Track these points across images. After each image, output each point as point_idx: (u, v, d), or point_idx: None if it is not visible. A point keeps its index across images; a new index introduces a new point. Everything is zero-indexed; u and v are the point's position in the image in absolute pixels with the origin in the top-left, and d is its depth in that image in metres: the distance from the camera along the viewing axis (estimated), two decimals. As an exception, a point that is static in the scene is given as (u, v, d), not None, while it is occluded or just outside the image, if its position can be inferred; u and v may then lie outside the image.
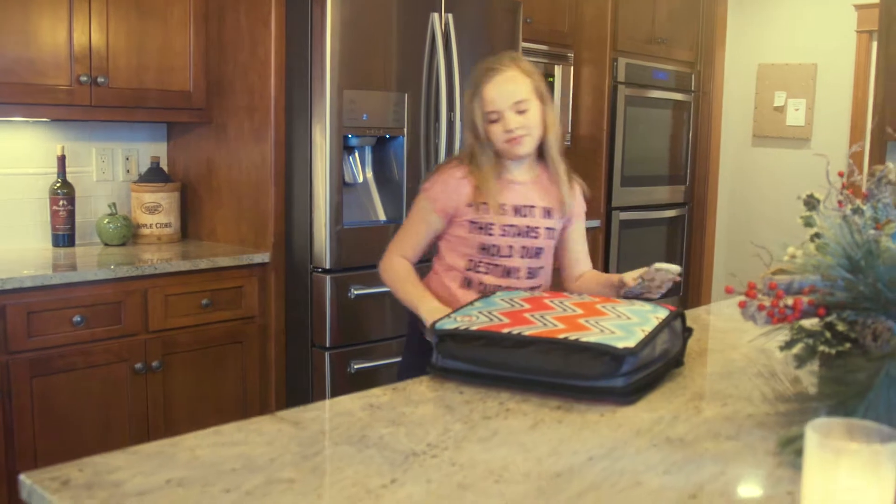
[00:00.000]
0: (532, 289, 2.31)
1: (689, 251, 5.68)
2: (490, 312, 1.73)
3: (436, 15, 3.47)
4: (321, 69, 3.20)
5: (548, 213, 2.33)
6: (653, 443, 1.31)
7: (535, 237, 2.31)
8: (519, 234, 2.29)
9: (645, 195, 5.23)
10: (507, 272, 2.30)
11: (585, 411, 1.45)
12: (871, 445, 0.99)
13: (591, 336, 1.53)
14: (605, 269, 4.95)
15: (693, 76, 5.52)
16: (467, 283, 2.31)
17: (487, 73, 2.24)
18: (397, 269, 2.34)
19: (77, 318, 2.87)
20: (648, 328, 1.59)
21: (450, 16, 3.51)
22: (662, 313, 1.70)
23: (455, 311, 1.84)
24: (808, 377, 1.52)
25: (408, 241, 2.36)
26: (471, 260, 2.30)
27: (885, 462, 0.98)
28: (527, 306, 1.75)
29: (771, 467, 1.22)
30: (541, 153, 2.32)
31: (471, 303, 1.89)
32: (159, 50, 3.33)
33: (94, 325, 2.92)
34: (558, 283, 2.50)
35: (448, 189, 2.28)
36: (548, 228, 2.33)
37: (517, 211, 2.29)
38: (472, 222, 2.27)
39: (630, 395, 1.50)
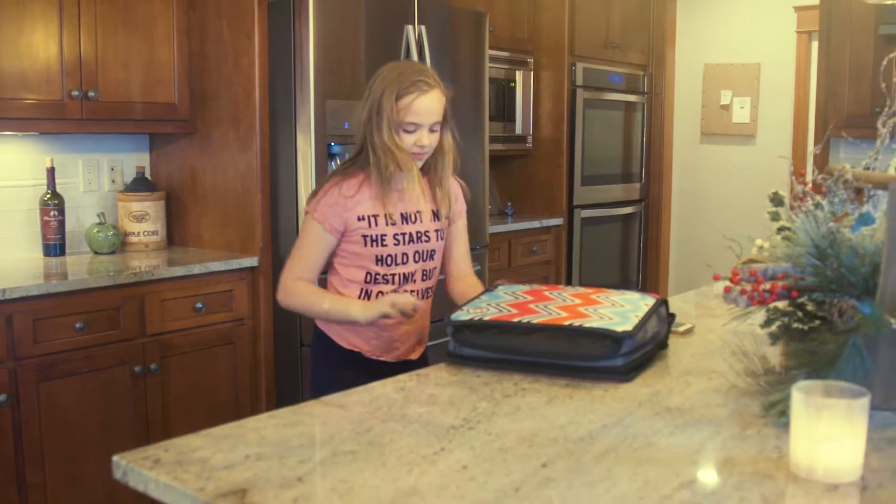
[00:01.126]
0: (427, 289, 2.38)
1: (645, 246, 5.94)
2: (498, 304, 1.92)
3: (410, 27, 3.65)
4: (303, 80, 3.37)
5: (435, 215, 2.37)
6: (655, 411, 1.52)
7: (427, 241, 2.35)
8: (412, 241, 2.32)
9: (604, 193, 5.48)
10: (405, 278, 2.33)
11: (591, 388, 1.65)
12: (845, 400, 1.20)
13: (592, 322, 1.74)
14: (569, 266, 5.18)
15: (645, 78, 5.78)
16: (366, 295, 2.32)
17: (418, 85, 2.21)
18: (302, 289, 2.31)
19: (79, 325, 3.00)
20: (640, 314, 1.80)
21: (423, 27, 3.70)
22: (650, 301, 1.91)
23: (465, 304, 2.02)
24: (775, 355, 1.74)
25: (303, 264, 2.32)
26: (367, 273, 2.30)
27: (857, 414, 1.20)
28: (530, 298, 1.94)
29: (759, 426, 1.43)
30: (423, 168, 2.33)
31: (478, 296, 2.07)
32: (145, 63, 3.46)
33: (95, 330, 3.05)
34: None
35: (337, 207, 2.26)
36: (437, 230, 2.38)
37: (406, 218, 2.31)
38: (364, 236, 2.27)
39: (629, 372, 1.71)
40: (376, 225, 2.27)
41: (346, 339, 2.36)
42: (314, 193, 2.34)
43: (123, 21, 3.36)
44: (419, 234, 2.34)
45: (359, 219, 2.27)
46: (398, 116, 2.21)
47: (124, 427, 3.13)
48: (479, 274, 4.13)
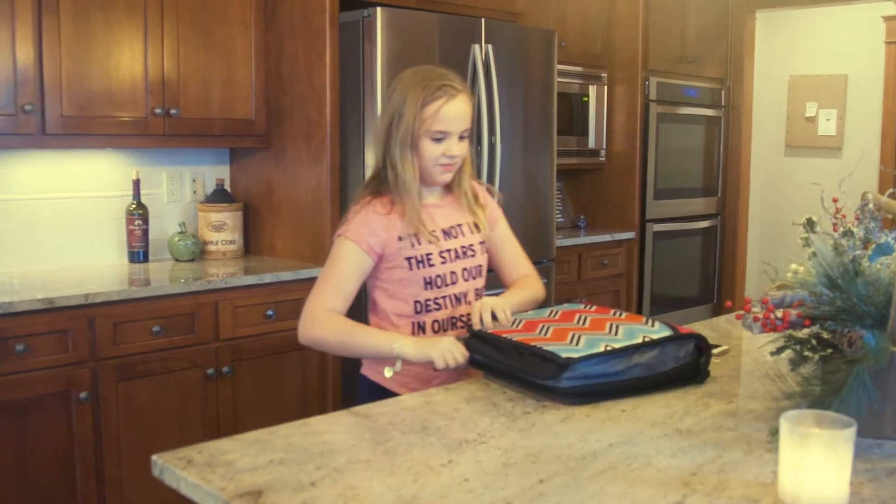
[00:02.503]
0: None
1: (721, 260, 5.90)
2: (518, 322, 2.04)
3: (477, 46, 3.75)
4: (372, 98, 3.50)
5: (474, 226, 2.23)
6: (664, 433, 1.58)
7: (473, 255, 2.21)
8: (458, 257, 2.17)
9: (678, 207, 5.47)
10: (457, 300, 2.17)
11: (610, 408, 1.72)
12: (830, 430, 1.25)
13: (552, 346, 1.82)
14: (640, 279, 5.20)
15: (723, 92, 5.75)
16: (420, 329, 2.14)
17: (444, 90, 2.06)
18: (335, 320, 2.05)
19: (156, 328, 3.19)
20: (617, 345, 1.81)
21: (490, 46, 3.79)
22: (659, 333, 1.88)
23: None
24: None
25: (335, 291, 2.07)
26: (417, 302, 2.12)
27: (842, 444, 1.24)
28: (556, 318, 2.03)
29: (761, 452, 1.48)
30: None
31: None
32: (224, 82, 3.64)
33: (171, 334, 3.23)
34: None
35: (373, 225, 2.08)
36: (480, 243, 2.24)
37: (447, 234, 2.17)
38: (408, 258, 2.10)
39: (572, 396, 1.74)
40: (419, 244, 2.10)
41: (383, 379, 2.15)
42: (343, 219, 2.15)
43: (204, 42, 3.55)
44: (464, 249, 2.18)
45: (399, 238, 2.09)
46: (424, 125, 2.05)
47: (196, 426, 3.31)
48: (546, 287, 4.21)
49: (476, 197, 2.26)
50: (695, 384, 1.87)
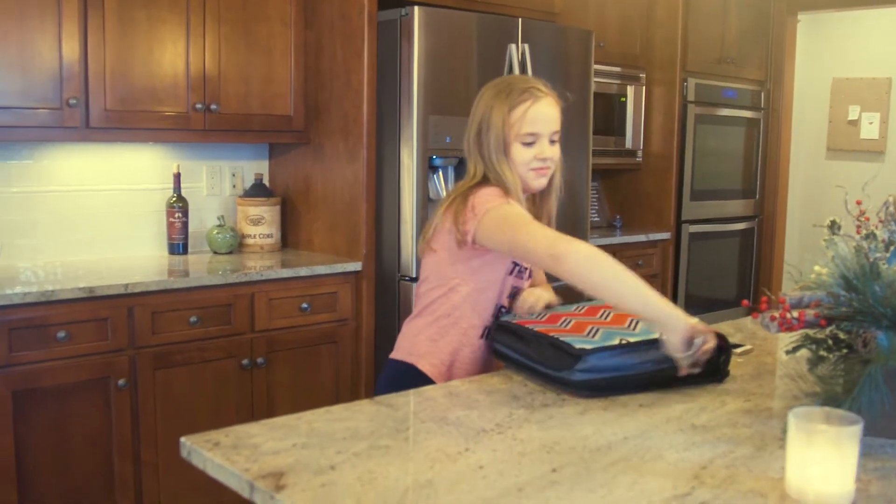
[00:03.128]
0: None
1: (759, 262, 5.87)
2: (544, 314, 2.08)
3: (513, 46, 3.78)
4: (409, 96, 3.55)
5: None
6: (679, 427, 1.61)
7: (532, 277, 2.26)
8: (528, 277, 2.23)
9: (715, 209, 5.46)
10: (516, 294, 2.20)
11: (628, 402, 1.75)
12: (836, 427, 1.27)
13: (569, 337, 1.85)
14: (675, 279, 5.19)
15: (763, 94, 5.72)
16: (485, 335, 2.14)
17: (527, 94, 2.07)
18: (608, 259, 1.86)
19: (193, 318, 3.27)
20: (633, 339, 1.84)
21: (526, 46, 3.82)
22: None
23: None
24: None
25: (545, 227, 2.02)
26: (492, 314, 2.13)
27: (846, 440, 1.26)
28: (581, 312, 2.06)
29: (773, 448, 1.50)
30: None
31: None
32: (264, 79, 3.72)
33: (208, 324, 3.31)
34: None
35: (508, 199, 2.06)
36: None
37: None
38: (515, 263, 2.12)
39: (585, 389, 1.77)
40: None
41: (442, 375, 2.10)
42: (479, 201, 2.02)
43: (245, 40, 3.63)
44: (525, 270, 2.22)
45: None
46: (513, 130, 2.05)
47: (230, 415, 3.38)
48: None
49: (552, 210, 2.26)
50: (713, 383, 1.88)
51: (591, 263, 1.82)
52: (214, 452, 1.44)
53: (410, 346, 2.17)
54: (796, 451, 1.29)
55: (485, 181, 2.09)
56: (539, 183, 2.12)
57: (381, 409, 1.68)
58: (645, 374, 1.81)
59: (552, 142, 2.10)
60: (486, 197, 2.03)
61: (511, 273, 2.14)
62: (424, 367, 2.11)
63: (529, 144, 2.07)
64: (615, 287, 1.80)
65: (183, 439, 1.52)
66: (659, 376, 1.81)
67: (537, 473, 1.37)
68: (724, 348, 1.90)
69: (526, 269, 2.18)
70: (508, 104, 2.05)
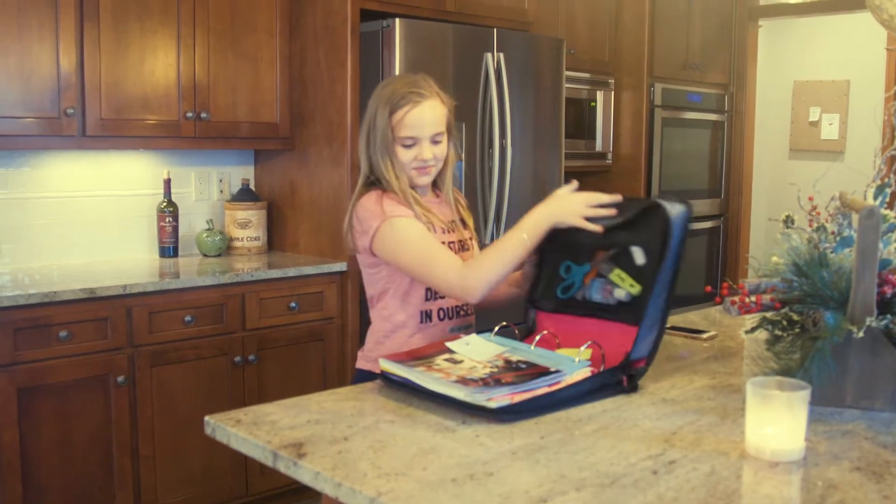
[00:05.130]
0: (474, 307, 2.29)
1: (725, 259, 6.10)
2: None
3: (489, 54, 3.97)
4: (390, 103, 3.71)
5: (463, 223, 2.32)
6: (651, 402, 1.79)
7: (469, 249, 2.29)
8: (461, 250, 2.25)
9: (682, 208, 5.67)
10: None
11: (605, 381, 1.93)
12: (787, 392, 1.46)
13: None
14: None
15: (727, 97, 5.95)
16: (427, 317, 2.21)
17: (409, 97, 2.13)
18: (484, 259, 2.07)
19: (188, 318, 3.41)
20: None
21: (501, 55, 4.01)
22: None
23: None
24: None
25: (443, 253, 2.11)
26: (427, 290, 2.19)
27: (797, 404, 1.46)
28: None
29: (735, 417, 1.69)
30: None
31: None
32: (251, 87, 3.87)
33: (202, 323, 3.46)
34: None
35: (401, 207, 2.15)
36: (470, 238, 2.32)
37: (446, 230, 2.24)
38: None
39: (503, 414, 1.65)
40: (435, 231, 2.18)
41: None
42: (363, 215, 2.16)
43: (233, 50, 3.78)
44: (462, 243, 2.27)
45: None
46: (393, 132, 2.13)
47: (223, 410, 3.51)
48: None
49: (458, 201, 2.34)
50: (624, 393, 1.85)
51: (487, 272, 2.04)
52: (238, 428, 1.60)
53: (367, 352, 2.32)
54: (754, 414, 1.48)
55: (368, 183, 2.21)
56: (421, 180, 2.21)
57: (383, 391, 1.85)
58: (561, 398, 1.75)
59: (435, 142, 2.17)
60: (365, 209, 2.16)
61: None
62: (375, 369, 2.10)
63: (409, 146, 2.15)
64: (506, 258, 2.03)
65: (207, 418, 1.67)
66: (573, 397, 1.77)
67: (528, 440, 1.54)
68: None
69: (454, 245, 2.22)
70: (390, 107, 2.14)
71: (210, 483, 3.53)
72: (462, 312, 2.29)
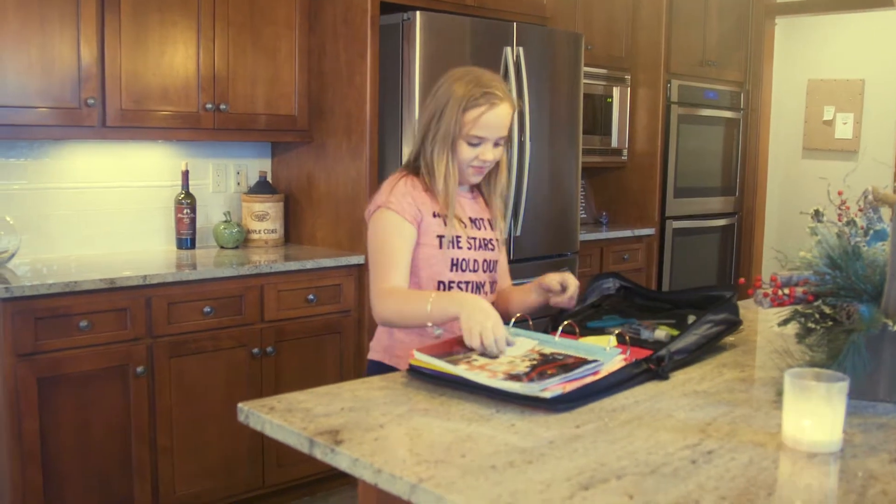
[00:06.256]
0: (493, 304, 2.14)
1: (738, 256, 6.10)
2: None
3: (508, 49, 3.97)
4: (410, 96, 3.72)
5: (492, 224, 2.31)
6: (683, 393, 1.79)
7: (492, 249, 2.28)
8: (481, 247, 2.24)
9: (697, 205, 5.67)
10: (476, 287, 2.23)
11: (634, 373, 1.93)
12: (825, 384, 1.46)
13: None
14: (659, 273, 5.40)
15: (742, 95, 5.94)
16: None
17: (487, 97, 2.11)
18: (392, 297, 2.07)
19: (207, 309, 3.42)
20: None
21: (521, 49, 4.01)
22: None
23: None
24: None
25: (390, 267, 2.11)
26: (440, 282, 2.17)
27: (835, 396, 1.45)
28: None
29: (768, 409, 1.69)
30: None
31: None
32: (269, 80, 3.87)
33: (221, 315, 3.46)
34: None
35: (410, 197, 2.15)
36: (496, 240, 2.31)
37: (474, 223, 2.24)
38: (439, 236, 2.16)
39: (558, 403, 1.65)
40: (449, 225, 2.17)
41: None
42: (378, 191, 2.21)
43: (252, 43, 3.78)
44: (485, 242, 2.26)
45: (434, 215, 2.16)
46: (463, 129, 2.12)
47: (242, 401, 3.52)
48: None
49: (502, 204, 2.36)
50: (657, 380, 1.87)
51: (387, 310, 2.08)
52: (272, 415, 1.60)
53: (374, 342, 2.32)
54: (792, 406, 1.48)
55: (407, 165, 2.25)
56: (474, 179, 2.23)
57: (412, 381, 1.85)
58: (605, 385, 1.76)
59: (496, 145, 2.18)
60: (382, 188, 2.21)
61: (442, 247, 2.17)
62: (387, 360, 2.26)
63: (475, 145, 2.14)
64: (405, 312, 2.06)
65: (240, 405, 1.67)
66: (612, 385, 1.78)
67: (564, 430, 1.54)
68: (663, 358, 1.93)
69: (457, 242, 2.19)
70: (465, 103, 2.11)
71: (227, 474, 3.54)
72: None
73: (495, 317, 1.88)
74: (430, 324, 2.01)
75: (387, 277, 2.11)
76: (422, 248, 2.17)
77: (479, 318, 1.86)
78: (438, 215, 2.17)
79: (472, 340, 1.85)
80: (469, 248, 2.20)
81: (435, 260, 2.17)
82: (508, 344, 1.89)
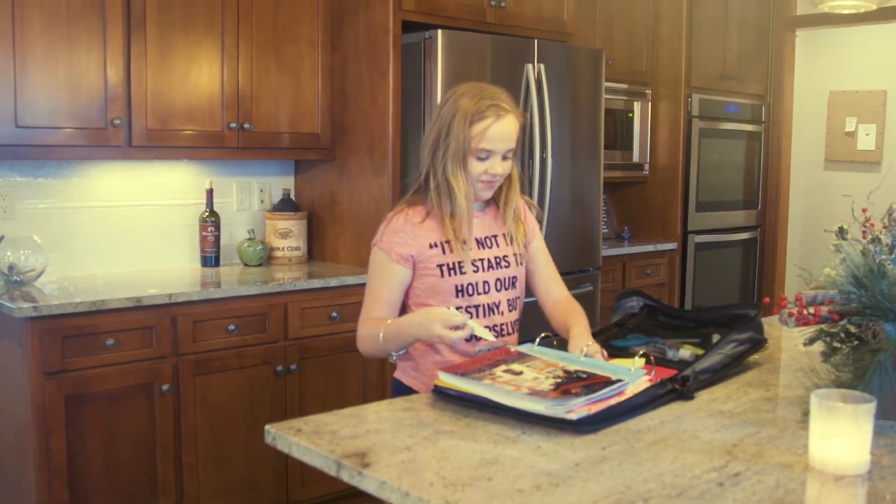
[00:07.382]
0: (514, 322, 2.27)
1: (761, 270, 6.07)
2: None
3: (530, 65, 3.98)
4: (432, 114, 3.73)
5: (510, 239, 2.28)
6: (708, 413, 1.79)
7: (507, 266, 2.25)
8: (491, 267, 2.21)
9: (719, 219, 5.66)
10: (490, 310, 2.21)
11: (659, 393, 1.93)
12: (853, 405, 1.46)
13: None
14: (682, 287, 5.38)
15: (763, 108, 5.93)
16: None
17: (492, 110, 2.10)
18: (365, 325, 2.18)
19: (231, 327, 3.44)
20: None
21: (542, 66, 4.02)
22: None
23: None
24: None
25: (374, 301, 2.21)
26: (448, 308, 2.10)
27: (862, 417, 1.45)
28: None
29: (794, 430, 1.69)
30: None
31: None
32: (293, 99, 3.91)
33: (245, 332, 3.49)
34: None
35: (403, 234, 2.17)
36: (515, 255, 2.27)
37: (481, 243, 2.22)
38: (440, 265, 2.16)
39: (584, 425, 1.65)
40: (451, 251, 2.15)
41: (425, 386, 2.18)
42: (380, 227, 2.26)
43: (275, 62, 3.82)
44: (498, 260, 2.23)
45: (431, 246, 2.16)
46: (471, 144, 2.10)
47: (266, 419, 3.54)
48: (592, 294, 4.42)
49: (517, 212, 2.31)
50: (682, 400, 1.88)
51: (362, 340, 2.21)
52: (299, 437, 1.62)
53: (400, 360, 2.31)
54: (818, 427, 1.47)
55: (417, 191, 2.25)
56: (485, 194, 2.22)
57: (437, 402, 1.86)
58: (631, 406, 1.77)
59: (505, 158, 2.16)
60: (382, 226, 2.26)
61: (444, 276, 2.17)
62: (406, 380, 2.28)
63: (483, 159, 2.13)
64: (365, 342, 2.20)
65: (268, 427, 1.69)
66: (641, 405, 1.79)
67: (590, 452, 1.55)
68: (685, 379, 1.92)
69: (460, 268, 2.19)
70: (471, 117, 2.10)
71: (251, 492, 3.56)
72: (494, 334, 2.19)
73: (438, 314, 1.98)
74: (392, 354, 2.18)
75: (369, 311, 2.22)
76: (424, 279, 2.19)
77: (431, 330, 1.97)
78: (437, 245, 2.17)
79: (443, 351, 2.12)
80: (476, 272, 2.19)
81: (440, 288, 2.18)
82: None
